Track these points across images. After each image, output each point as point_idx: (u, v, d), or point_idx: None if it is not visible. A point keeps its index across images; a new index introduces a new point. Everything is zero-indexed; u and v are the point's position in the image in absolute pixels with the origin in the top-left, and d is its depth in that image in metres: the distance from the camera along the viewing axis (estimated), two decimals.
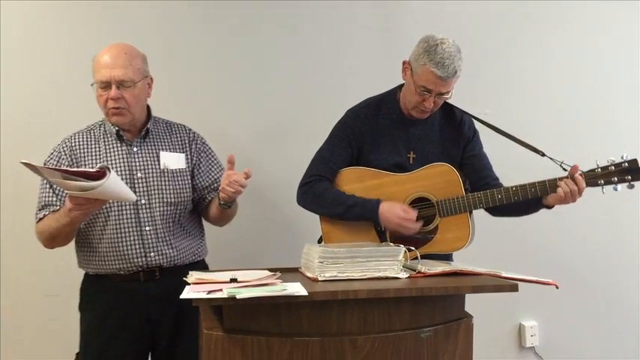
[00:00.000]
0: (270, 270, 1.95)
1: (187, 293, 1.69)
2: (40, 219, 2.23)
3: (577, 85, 3.27)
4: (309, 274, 1.94)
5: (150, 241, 2.24)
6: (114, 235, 2.22)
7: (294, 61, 3.08)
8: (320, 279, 1.85)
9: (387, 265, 1.89)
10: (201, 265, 2.38)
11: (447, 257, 2.42)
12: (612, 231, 3.32)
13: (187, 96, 2.98)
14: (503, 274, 1.94)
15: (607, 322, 3.35)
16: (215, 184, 2.37)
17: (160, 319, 2.26)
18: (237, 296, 1.61)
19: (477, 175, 2.44)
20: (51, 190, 2.24)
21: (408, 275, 1.91)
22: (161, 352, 2.31)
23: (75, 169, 1.97)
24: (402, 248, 1.93)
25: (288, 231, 3.04)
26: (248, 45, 3.05)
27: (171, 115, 2.48)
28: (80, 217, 2.07)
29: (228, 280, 1.79)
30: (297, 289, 1.68)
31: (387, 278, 1.87)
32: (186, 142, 2.38)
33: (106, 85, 2.21)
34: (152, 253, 2.24)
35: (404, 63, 2.37)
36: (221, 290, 1.67)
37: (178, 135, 2.39)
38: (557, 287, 1.92)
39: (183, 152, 2.36)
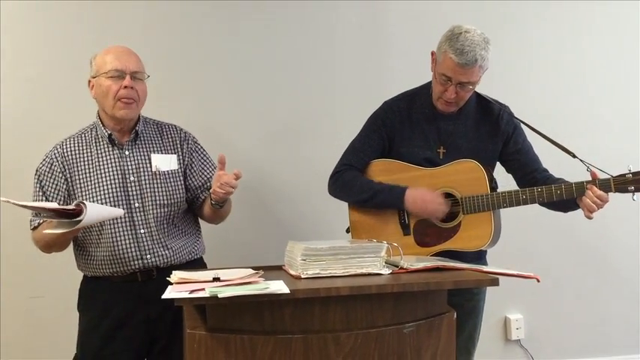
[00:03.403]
0: (254, 268, 1.95)
1: (169, 293, 1.69)
2: (35, 227, 2.25)
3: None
4: (292, 272, 1.94)
5: (145, 243, 2.24)
6: (110, 240, 2.22)
7: (296, 62, 3.13)
8: (303, 276, 1.86)
9: (370, 262, 1.90)
10: (199, 264, 2.39)
11: (479, 256, 2.41)
12: (599, 226, 3.32)
13: (191, 98, 3.03)
14: (485, 269, 1.96)
15: (593, 315, 3.38)
16: (208, 183, 2.36)
17: (158, 318, 2.26)
18: (219, 295, 1.61)
19: (524, 170, 2.41)
20: (44, 197, 2.24)
21: (390, 271, 1.92)
22: (159, 351, 2.31)
23: (53, 207, 1.98)
24: (385, 245, 1.94)
25: (287, 230, 3.06)
26: (246, 47, 3.08)
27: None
28: (73, 232, 2.08)
29: (211, 279, 1.79)
30: (279, 287, 1.68)
31: (369, 275, 1.88)
32: (178, 142, 2.37)
33: (119, 75, 2.20)
34: (148, 256, 2.24)
35: (432, 54, 2.36)
36: (203, 289, 1.68)
37: (169, 135, 2.37)
38: (538, 281, 1.93)
39: (175, 153, 2.35)
